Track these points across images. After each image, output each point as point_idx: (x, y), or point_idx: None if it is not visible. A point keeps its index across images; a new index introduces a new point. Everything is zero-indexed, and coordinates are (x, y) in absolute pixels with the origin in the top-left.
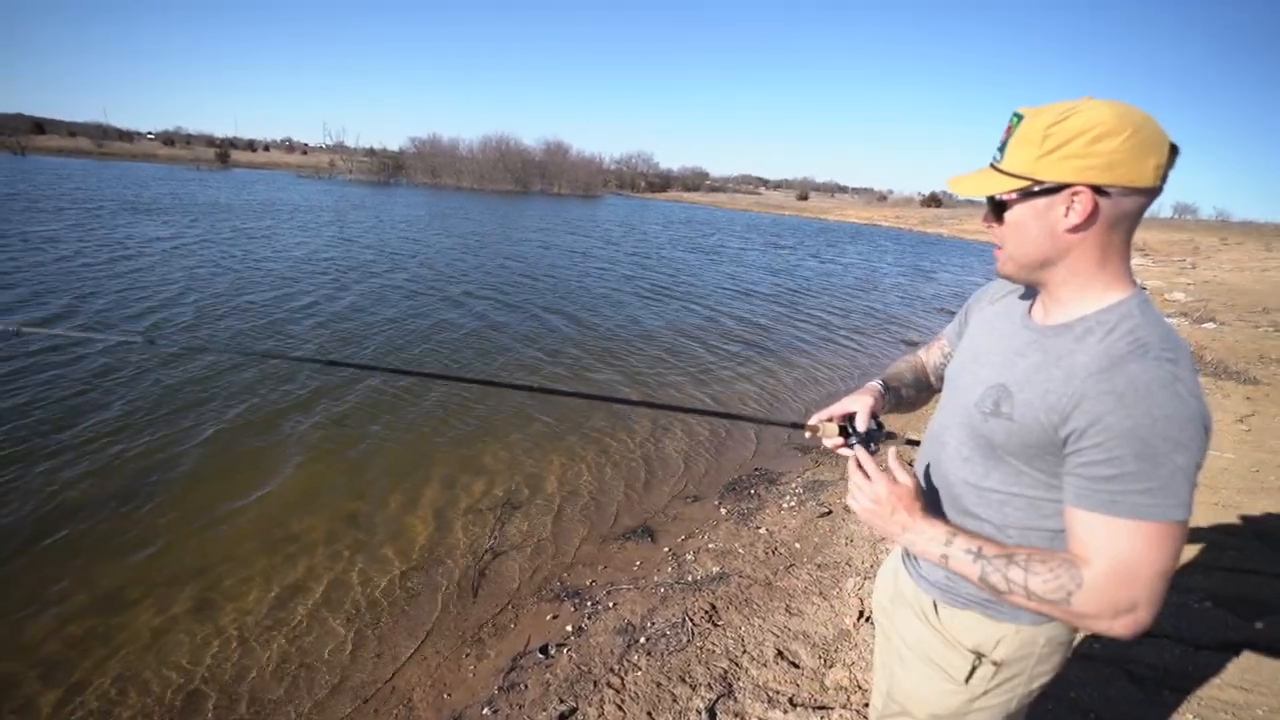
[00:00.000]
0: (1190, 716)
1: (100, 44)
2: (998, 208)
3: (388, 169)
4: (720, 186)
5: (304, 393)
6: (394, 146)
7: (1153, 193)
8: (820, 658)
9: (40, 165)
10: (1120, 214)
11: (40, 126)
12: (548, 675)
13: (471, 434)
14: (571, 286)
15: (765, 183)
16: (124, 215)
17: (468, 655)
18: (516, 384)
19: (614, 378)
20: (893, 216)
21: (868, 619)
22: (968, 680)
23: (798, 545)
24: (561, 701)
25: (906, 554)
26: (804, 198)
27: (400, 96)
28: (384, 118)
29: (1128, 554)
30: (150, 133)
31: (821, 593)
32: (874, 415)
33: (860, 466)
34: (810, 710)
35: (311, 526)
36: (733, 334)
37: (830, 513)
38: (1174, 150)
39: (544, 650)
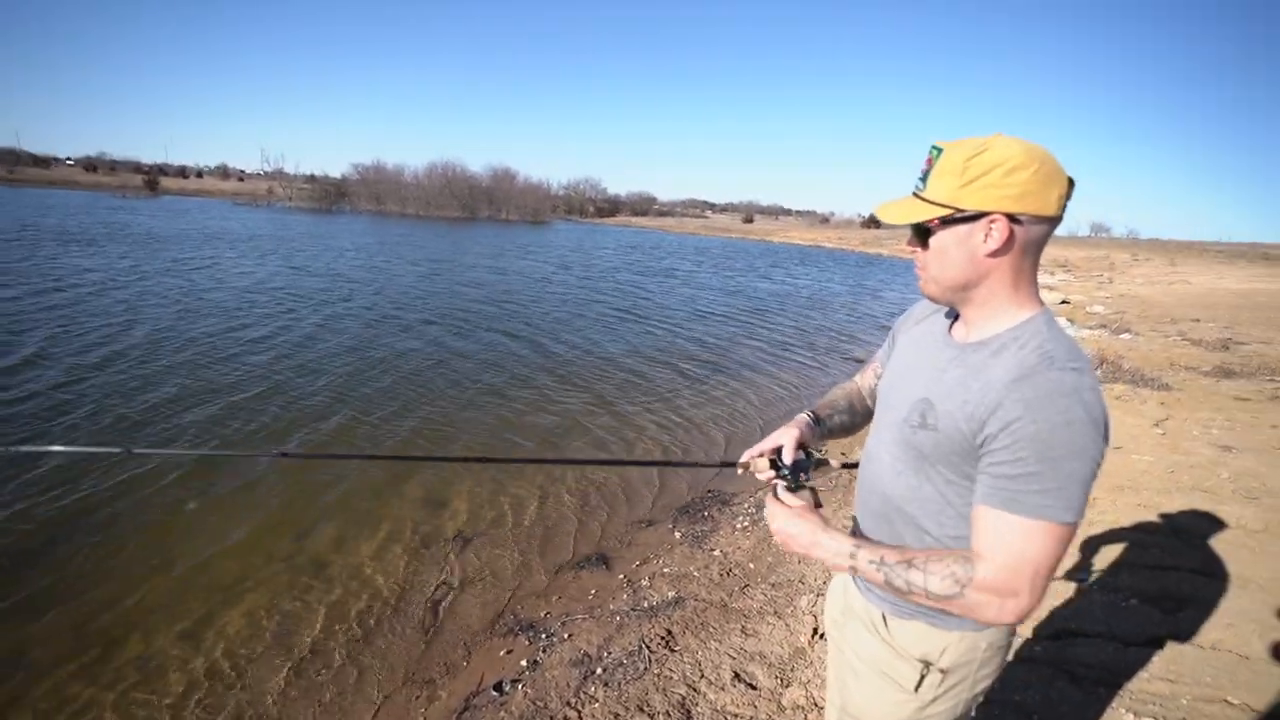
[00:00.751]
0: (1124, 711)
1: (9, 61)
2: (922, 233)
3: (330, 196)
4: (668, 210)
5: (249, 428)
6: (336, 173)
7: (1055, 221)
8: (777, 678)
9: None
10: (1030, 240)
11: None
12: (502, 713)
13: (421, 467)
14: (531, 312)
15: (712, 206)
16: (52, 246)
17: (417, 698)
18: (451, 457)
19: (581, 402)
20: (835, 238)
21: (822, 636)
22: (917, 689)
23: (751, 565)
24: None
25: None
26: (749, 220)
27: (342, 122)
28: (325, 143)
29: (1020, 549)
30: (70, 158)
31: (776, 612)
32: (802, 446)
33: (776, 497)
34: None
35: (251, 569)
36: (694, 355)
37: None
38: (1071, 183)
39: (498, 687)
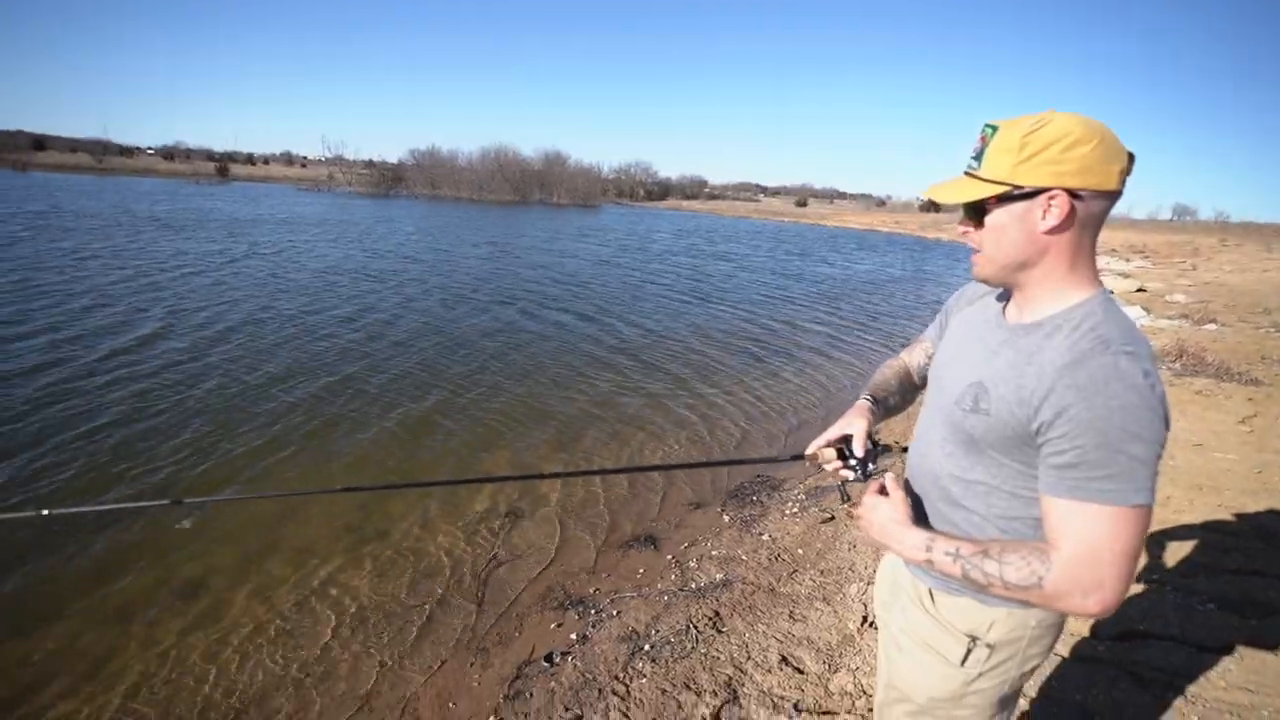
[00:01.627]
0: (1195, 719)
1: (99, 58)
2: (977, 212)
3: (387, 181)
4: (719, 194)
5: (311, 389)
6: (392, 158)
7: (1115, 196)
8: (824, 663)
9: (47, 183)
10: (1090, 216)
11: (40, 143)
12: (553, 683)
13: (477, 441)
14: (598, 294)
15: (764, 189)
16: (158, 231)
17: (472, 664)
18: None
19: (659, 385)
20: (891, 222)
21: (872, 624)
22: (963, 663)
23: (800, 551)
24: (567, 709)
25: None
26: (803, 204)
27: (398, 108)
28: (382, 130)
29: (1093, 536)
30: (150, 148)
31: (825, 598)
32: (868, 435)
33: (881, 491)
34: (815, 715)
35: (316, 538)
36: (760, 339)
37: (833, 519)
38: (1131, 158)
39: (549, 659)
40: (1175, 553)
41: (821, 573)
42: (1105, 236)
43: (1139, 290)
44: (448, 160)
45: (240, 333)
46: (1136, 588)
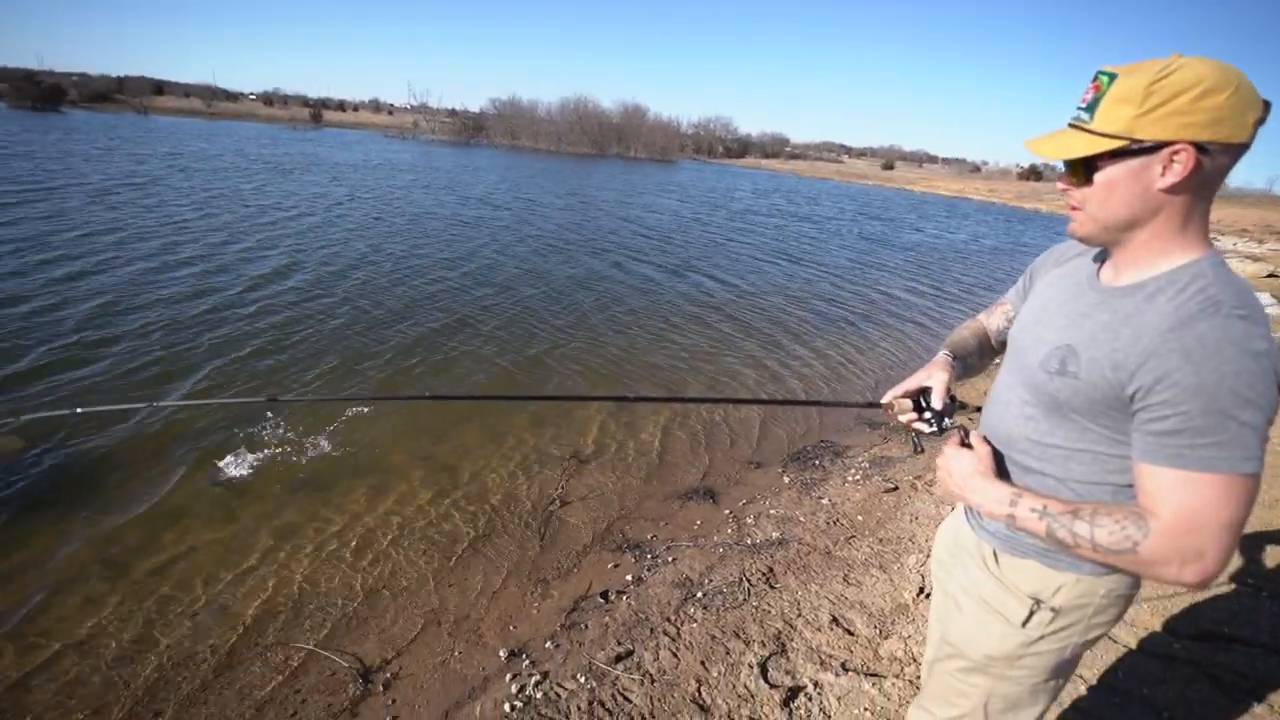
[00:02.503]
0: None
1: (210, 12)
2: (1086, 169)
3: (468, 130)
4: (800, 153)
5: (414, 333)
6: (474, 107)
7: (1244, 149)
8: (876, 628)
9: (168, 126)
10: (1215, 171)
11: (159, 88)
12: (607, 619)
13: (548, 385)
14: (688, 251)
15: (848, 150)
16: (271, 175)
17: (533, 594)
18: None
19: (750, 341)
20: (985, 189)
21: (928, 595)
22: (1025, 624)
23: (860, 518)
24: (619, 643)
25: (967, 508)
26: (889, 167)
27: (481, 57)
28: (465, 78)
29: (1195, 504)
30: (252, 93)
31: (881, 566)
32: (947, 389)
33: (963, 443)
34: (862, 676)
35: (398, 464)
36: (849, 303)
37: (896, 489)
38: (1267, 106)
39: (604, 595)
40: (1276, 556)
41: (880, 541)
42: (1236, 214)
43: (1270, 276)
44: (527, 110)
45: (359, 270)
46: (1226, 588)
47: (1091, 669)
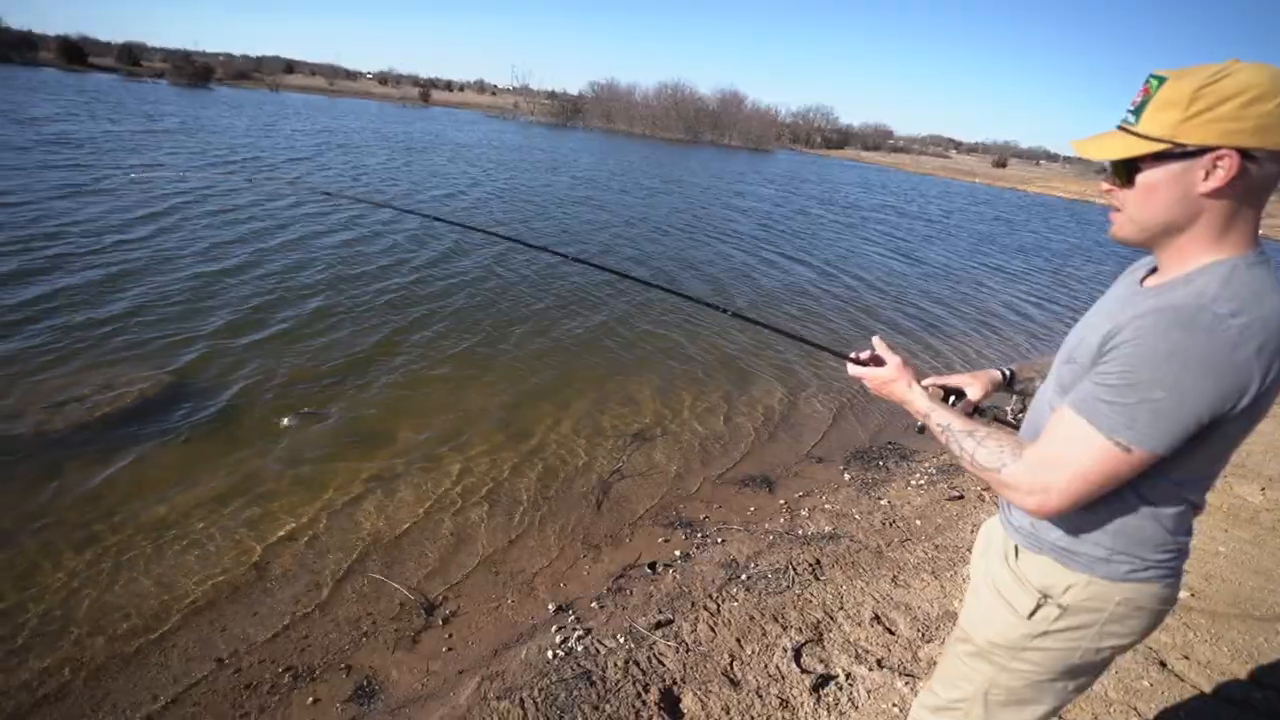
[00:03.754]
0: None
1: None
2: (1128, 170)
3: (566, 112)
4: (904, 146)
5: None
6: (573, 89)
7: None
8: (918, 631)
9: (299, 102)
10: (1263, 178)
11: (290, 67)
12: (651, 588)
13: (622, 362)
14: (809, 243)
15: (957, 145)
16: (407, 154)
17: (584, 557)
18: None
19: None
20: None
21: None
22: (1030, 616)
23: (918, 523)
24: (660, 612)
25: (1004, 506)
26: (1002, 164)
27: (582, 39)
28: (566, 60)
29: (1065, 447)
30: (369, 73)
31: (934, 572)
32: (977, 403)
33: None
34: (897, 675)
35: (473, 420)
36: (993, 311)
37: (961, 497)
38: None
39: (652, 566)
40: None
41: (936, 547)
42: None
43: None
44: (624, 94)
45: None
46: None
47: (1150, 703)
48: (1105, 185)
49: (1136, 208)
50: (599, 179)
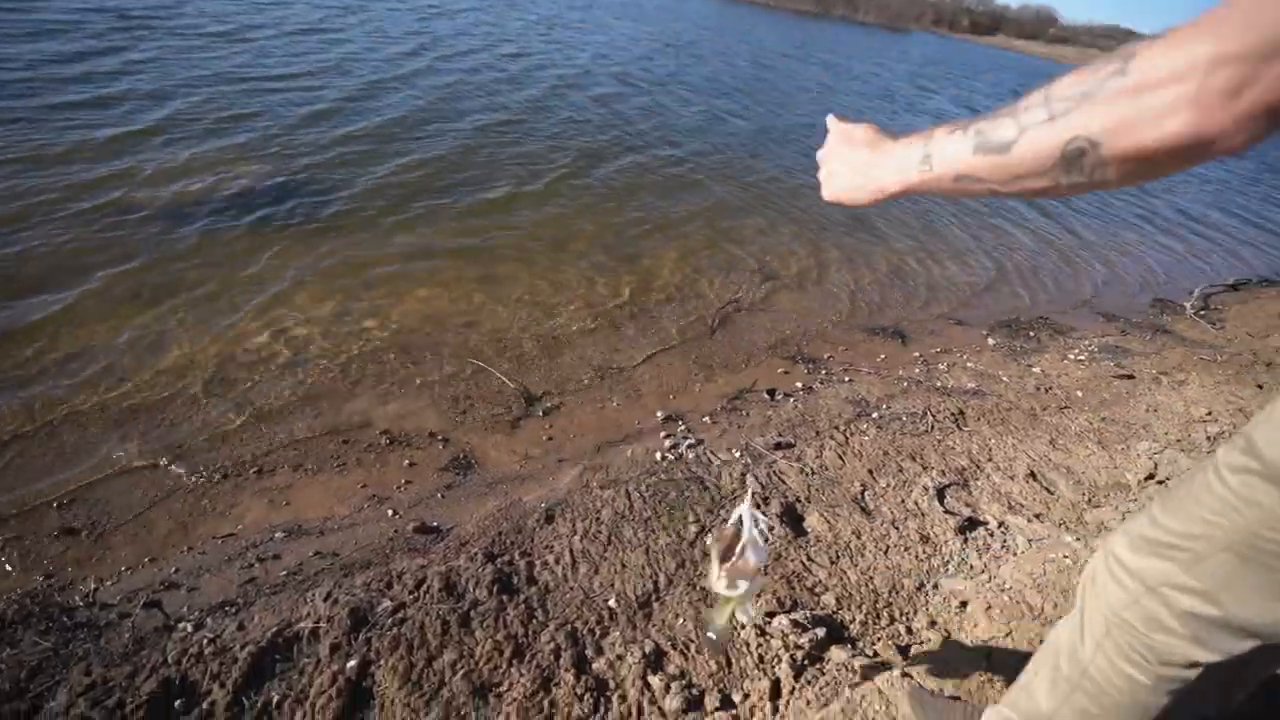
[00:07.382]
0: None
1: None
2: None
3: None
4: (1069, 36)
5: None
6: None
7: None
8: (1083, 495)
9: None
10: None
11: None
12: (770, 413)
13: (751, 201)
14: None
15: (1136, 38)
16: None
17: (695, 376)
18: None
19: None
20: None
21: (1159, 483)
22: None
23: (1079, 394)
24: (780, 435)
25: None
26: None
27: None
28: None
29: None
30: None
31: (1101, 443)
32: None
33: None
34: (1059, 528)
35: (584, 234)
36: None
37: (1132, 377)
38: None
39: (770, 393)
40: None
41: (1102, 420)
42: None
43: None
44: None
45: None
46: None
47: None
48: None
49: None
50: (735, 51)
